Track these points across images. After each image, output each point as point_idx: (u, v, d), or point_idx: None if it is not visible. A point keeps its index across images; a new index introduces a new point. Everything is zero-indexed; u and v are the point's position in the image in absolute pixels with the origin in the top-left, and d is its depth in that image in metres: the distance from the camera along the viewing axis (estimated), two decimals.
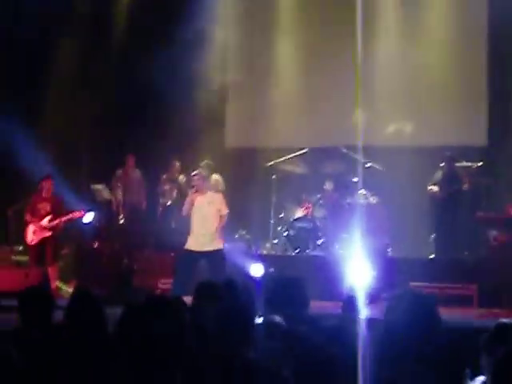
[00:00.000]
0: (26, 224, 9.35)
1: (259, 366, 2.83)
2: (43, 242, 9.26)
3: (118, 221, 10.76)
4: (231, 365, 2.87)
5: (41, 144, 10.18)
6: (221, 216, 8.27)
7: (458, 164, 9.98)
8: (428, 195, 9.94)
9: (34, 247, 9.30)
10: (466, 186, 9.69)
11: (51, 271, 9.15)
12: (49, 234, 9.23)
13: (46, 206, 9.32)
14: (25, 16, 10.62)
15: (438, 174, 9.92)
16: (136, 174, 10.97)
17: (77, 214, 9.33)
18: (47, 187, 9.34)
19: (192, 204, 8.24)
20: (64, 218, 9.25)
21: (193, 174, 8.58)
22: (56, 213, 9.26)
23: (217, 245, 8.21)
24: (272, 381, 2.83)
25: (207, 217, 8.19)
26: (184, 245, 8.26)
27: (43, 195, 9.34)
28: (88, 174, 11.52)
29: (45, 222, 9.25)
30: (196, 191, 8.27)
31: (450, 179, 9.81)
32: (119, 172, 10.92)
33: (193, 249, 8.15)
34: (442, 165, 9.92)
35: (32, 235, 9.29)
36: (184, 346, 3.17)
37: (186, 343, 3.25)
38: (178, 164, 10.91)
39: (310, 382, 3.05)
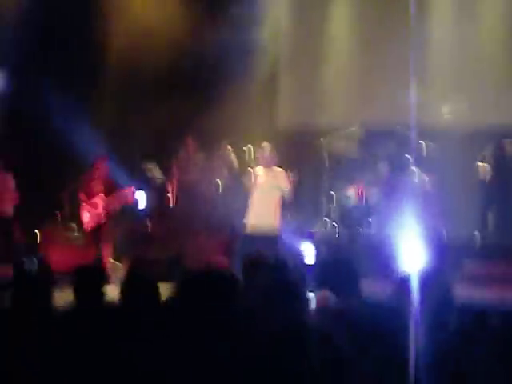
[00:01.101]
0: (80, 203, 9.51)
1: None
2: (98, 221, 9.43)
3: (171, 202, 10.81)
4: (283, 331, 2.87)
5: (94, 122, 10.28)
6: (283, 192, 8.20)
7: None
8: (480, 175, 9.79)
9: (90, 227, 9.48)
10: None
11: (105, 250, 9.33)
12: (103, 214, 9.39)
13: (99, 186, 9.46)
14: None
15: (489, 151, 9.74)
16: (197, 155, 10.95)
17: (128, 194, 9.43)
18: (102, 167, 9.48)
19: (256, 178, 8.17)
20: (117, 199, 9.38)
21: (261, 146, 8.50)
22: (109, 193, 9.40)
23: (277, 224, 8.15)
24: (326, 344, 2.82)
25: (270, 192, 8.14)
26: (242, 223, 8.22)
27: (97, 175, 9.48)
28: (141, 153, 11.56)
29: (98, 202, 9.39)
30: (261, 165, 8.20)
31: (500, 160, 9.64)
32: (181, 152, 10.94)
33: (253, 228, 8.10)
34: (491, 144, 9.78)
35: (87, 215, 9.45)
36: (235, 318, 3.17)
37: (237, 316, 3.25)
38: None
39: (359, 357, 3.03)
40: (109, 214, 9.45)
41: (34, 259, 4.71)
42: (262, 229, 8.07)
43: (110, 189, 9.43)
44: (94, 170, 9.49)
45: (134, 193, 9.47)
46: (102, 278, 4.32)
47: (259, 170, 8.27)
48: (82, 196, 9.50)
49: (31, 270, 4.33)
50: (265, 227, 8.06)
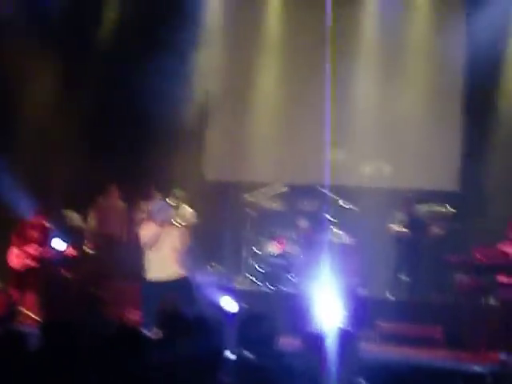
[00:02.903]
0: (12, 246, 9.34)
1: None
2: (27, 269, 9.27)
3: (88, 249, 10.69)
4: None
5: (13, 167, 10.13)
6: (179, 248, 8.12)
7: (427, 207, 10.16)
8: (393, 236, 10.05)
9: (18, 272, 9.29)
10: (429, 230, 9.88)
11: (32, 299, 9.17)
12: (34, 262, 9.27)
13: (35, 234, 9.36)
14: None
15: (403, 216, 10.05)
16: (119, 204, 10.91)
17: (59, 244, 9.37)
18: (38, 217, 9.36)
19: (158, 235, 8.01)
20: (49, 249, 9.31)
21: (158, 203, 8.49)
22: (44, 242, 9.30)
23: (176, 273, 8.14)
24: None
25: (167, 248, 8.00)
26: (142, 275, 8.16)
27: (33, 223, 9.38)
28: (60, 199, 11.43)
29: (33, 249, 9.28)
30: (161, 223, 8.06)
31: (415, 222, 9.96)
32: (100, 200, 10.88)
33: (154, 279, 8.05)
34: (406, 207, 10.09)
35: (16, 259, 9.28)
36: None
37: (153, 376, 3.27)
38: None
39: None
40: (36, 263, 9.33)
41: None
42: (161, 279, 7.99)
43: (44, 238, 9.33)
44: (31, 219, 9.38)
45: (61, 242, 9.38)
46: (17, 326, 4.25)
47: (156, 226, 8.07)
48: (14, 239, 9.34)
49: None
50: (163, 278, 8.01)
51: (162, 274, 8.01)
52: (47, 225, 9.49)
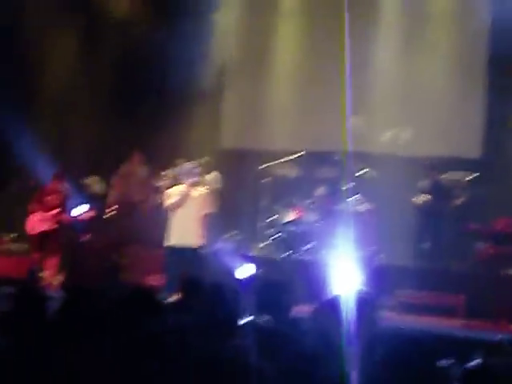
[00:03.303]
0: (31, 214, 9.43)
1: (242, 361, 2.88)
2: (46, 233, 9.37)
3: (109, 215, 10.77)
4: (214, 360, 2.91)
5: (35, 136, 10.18)
6: (204, 214, 8.25)
7: (448, 175, 10.07)
8: (414, 203, 9.99)
9: (37, 237, 9.40)
10: (454, 199, 9.79)
11: (53, 262, 9.28)
12: (55, 225, 9.36)
13: (54, 200, 9.43)
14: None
15: (423, 184, 9.98)
16: (142, 171, 10.94)
17: (78, 209, 9.44)
18: (56, 182, 9.44)
19: (184, 198, 8.17)
20: (69, 214, 9.41)
21: (189, 168, 8.56)
22: (63, 207, 9.39)
23: (198, 241, 8.20)
24: (256, 376, 2.87)
25: (191, 213, 8.13)
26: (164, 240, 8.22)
27: (51, 189, 9.45)
28: (83, 167, 11.50)
29: (52, 214, 9.37)
30: (190, 185, 8.23)
31: (436, 189, 9.88)
32: (123, 168, 10.91)
33: (176, 244, 8.13)
34: (427, 174, 10.01)
35: (36, 224, 9.38)
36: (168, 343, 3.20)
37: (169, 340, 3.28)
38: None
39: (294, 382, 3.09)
40: (56, 227, 9.42)
41: None
42: (185, 245, 8.09)
43: (63, 203, 9.40)
44: (53, 184, 9.45)
45: (82, 207, 9.46)
46: (38, 289, 4.29)
47: (183, 190, 8.24)
48: (34, 206, 9.43)
49: None
50: (187, 244, 8.09)
51: (185, 240, 8.08)
52: (66, 190, 9.55)
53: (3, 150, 10.05)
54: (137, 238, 10.43)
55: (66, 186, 9.54)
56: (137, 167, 10.94)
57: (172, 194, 8.24)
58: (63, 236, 10.27)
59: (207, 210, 8.29)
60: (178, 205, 8.12)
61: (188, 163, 8.68)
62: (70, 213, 9.43)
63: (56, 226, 9.38)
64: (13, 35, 10.55)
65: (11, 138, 9.88)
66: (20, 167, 9.92)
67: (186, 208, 8.12)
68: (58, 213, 9.38)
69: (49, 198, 9.43)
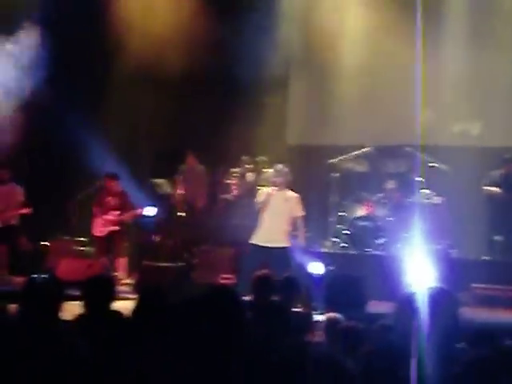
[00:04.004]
0: (94, 216, 9.62)
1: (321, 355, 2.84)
2: (110, 235, 9.53)
3: (178, 215, 10.87)
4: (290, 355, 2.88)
5: (103, 137, 10.33)
6: (294, 217, 8.26)
7: None
8: (487, 196, 9.77)
9: (102, 239, 9.58)
10: None
11: (121, 262, 9.45)
12: (117, 227, 9.52)
13: (114, 201, 9.59)
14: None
15: (496, 175, 9.74)
16: (199, 169, 11.04)
17: (140, 211, 9.58)
18: (115, 182, 9.58)
19: (269, 199, 8.22)
20: (131, 214, 9.53)
21: (277, 169, 8.57)
22: (124, 208, 9.53)
23: (285, 242, 8.21)
24: (334, 371, 2.82)
25: (281, 214, 8.18)
26: (249, 239, 8.27)
27: (111, 190, 9.60)
28: (149, 169, 11.65)
29: (113, 215, 9.53)
30: (275, 186, 8.26)
31: (509, 181, 9.63)
32: (183, 167, 11.03)
33: (261, 244, 8.16)
34: (500, 166, 9.77)
35: (100, 227, 9.55)
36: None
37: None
38: (246, 159, 10.93)
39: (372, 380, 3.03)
40: (122, 228, 9.58)
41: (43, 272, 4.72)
42: (270, 246, 8.11)
43: (125, 204, 9.55)
44: (108, 185, 9.60)
45: (144, 208, 9.59)
46: (111, 290, 4.34)
47: (273, 191, 8.31)
48: (95, 209, 9.62)
49: (41, 282, 4.34)
50: (273, 245, 8.12)
51: (267, 240, 8.10)
52: (123, 190, 9.67)
53: (74, 151, 10.23)
54: (207, 237, 10.50)
55: (121, 186, 9.66)
56: (194, 167, 11.02)
57: (263, 194, 8.28)
58: (133, 236, 10.46)
59: (300, 213, 8.32)
60: (262, 206, 8.18)
61: (279, 165, 8.70)
62: (133, 213, 9.54)
63: (119, 227, 9.52)
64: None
65: (80, 139, 10.06)
66: (88, 169, 10.07)
67: (276, 208, 8.14)
68: (119, 214, 9.52)
69: (109, 198, 9.57)
